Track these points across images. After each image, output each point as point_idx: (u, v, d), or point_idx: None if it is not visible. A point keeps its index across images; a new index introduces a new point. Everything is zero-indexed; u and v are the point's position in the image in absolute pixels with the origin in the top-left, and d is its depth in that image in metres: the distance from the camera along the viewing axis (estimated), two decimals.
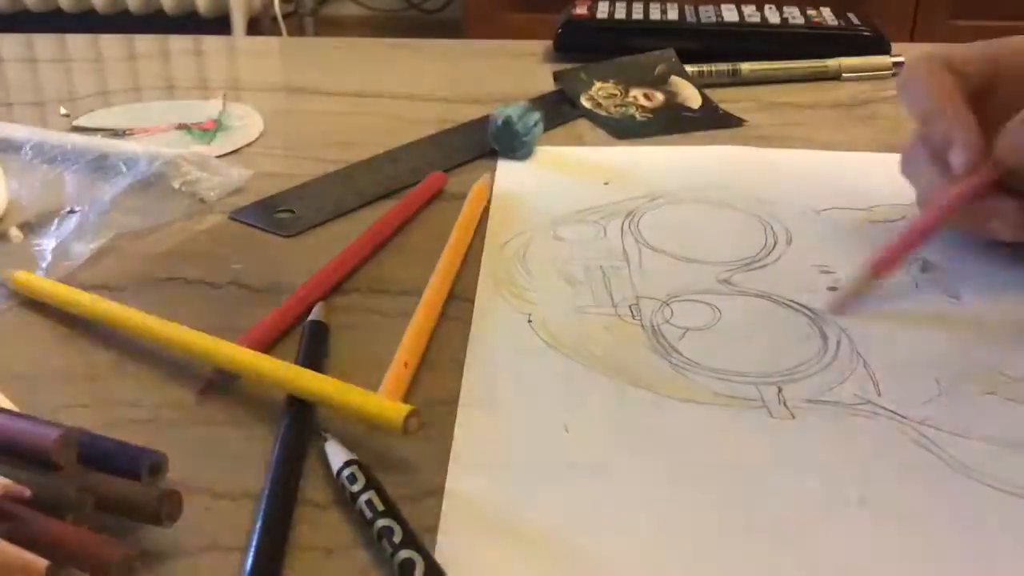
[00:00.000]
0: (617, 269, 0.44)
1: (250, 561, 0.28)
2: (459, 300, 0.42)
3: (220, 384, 0.37)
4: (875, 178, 0.53)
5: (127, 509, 0.29)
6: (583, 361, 0.38)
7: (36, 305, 0.42)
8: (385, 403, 0.33)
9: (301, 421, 0.34)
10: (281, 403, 0.36)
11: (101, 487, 0.29)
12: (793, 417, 0.35)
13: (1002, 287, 0.43)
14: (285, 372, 0.35)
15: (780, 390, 0.36)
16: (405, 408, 0.32)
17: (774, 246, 0.47)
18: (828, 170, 0.55)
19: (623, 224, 0.48)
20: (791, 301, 0.42)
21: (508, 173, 0.55)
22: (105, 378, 0.38)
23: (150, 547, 0.29)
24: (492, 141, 0.58)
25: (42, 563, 0.26)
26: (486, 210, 0.50)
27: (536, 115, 0.58)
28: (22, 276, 0.43)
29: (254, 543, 0.29)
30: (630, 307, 0.41)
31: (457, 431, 0.34)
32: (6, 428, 0.30)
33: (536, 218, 0.49)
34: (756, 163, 0.56)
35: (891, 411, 0.35)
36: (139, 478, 0.30)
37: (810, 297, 0.42)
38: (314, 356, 0.38)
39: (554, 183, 0.54)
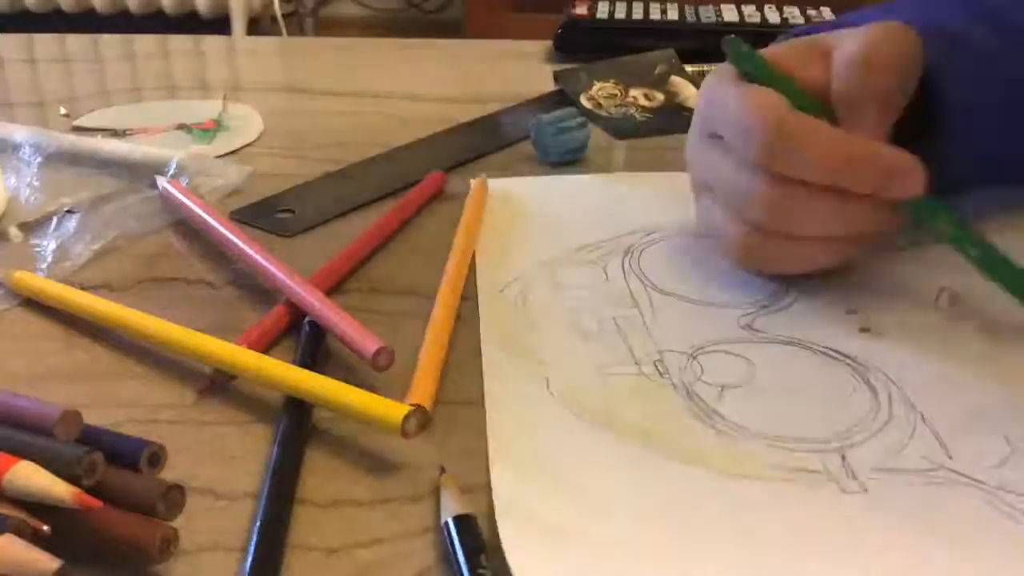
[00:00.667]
0: (630, 319, 0.40)
1: (249, 561, 0.28)
2: (465, 300, 0.42)
3: (220, 384, 0.37)
4: None
5: (130, 502, 0.29)
6: (618, 433, 0.34)
7: (36, 305, 0.42)
8: (385, 403, 0.33)
9: (299, 421, 0.34)
10: (280, 403, 0.36)
11: (103, 478, 0.29)
12: (866, 491, 0.31)
13: None
14: (283, 373, 0.35)
15: (844, 458, 0.32)
16: (404, 408, 0.32)
17: (789, 284, 0.43)
18: None
19: (624, 263, 0.45)
20: (828, 348, 0.38)
21: (492, 196, 0.52)
22: (105, 378, 0.38)
23: None
24: (534, 147, 0.58)
25: (55, 563, 0.26)
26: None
27: (576, 120, 0.57)
28: (21, 276, 0.43)
29: (253, 544, 0.29)
30: (655, 364, 0.37)
31: (503, 537, 0.29)
32: (9, 405, 0.31)
33: (530, 257, 0.45)
34: None
35: (967, 476, 0.31)
36: (138, 468, 0.30)
37: (844, 343, 0.38)
38: (312, 356, 0.38)
39: (544, 213, 0.50)
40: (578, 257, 0.46)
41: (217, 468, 0.32)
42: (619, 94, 0.67)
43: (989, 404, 0.35)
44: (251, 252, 0.44)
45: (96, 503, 0.27)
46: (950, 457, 0.32)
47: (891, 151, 0.39)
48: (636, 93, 0.67)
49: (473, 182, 0.52)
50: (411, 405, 0.33)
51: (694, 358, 0.38)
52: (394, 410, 0.32)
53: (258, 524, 0.29)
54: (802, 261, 0.42)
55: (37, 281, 0.43)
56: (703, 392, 0.36)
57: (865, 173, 0.38)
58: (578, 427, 0.34)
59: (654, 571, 0.28)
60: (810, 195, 0.39)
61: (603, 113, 0.64)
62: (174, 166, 0.54)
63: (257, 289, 0.44)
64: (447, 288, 0.42)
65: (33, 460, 0.28)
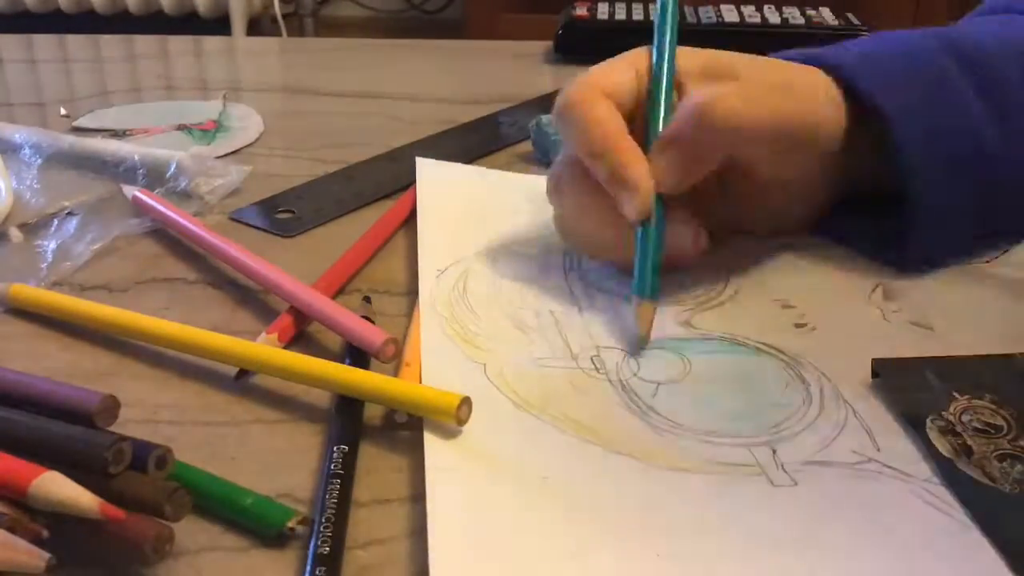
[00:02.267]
0: (568, 315, 0.40)
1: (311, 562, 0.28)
2: None
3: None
4: None
5: (137, 504, 0.29)
6: (554, 422, 0.34)
7: None
8: (438, 394, 0.34)
9: (354, 420, 0.34)
10: (279, 403, 0.36)
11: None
12: (796, 484, 0.31)
13: (974, 311, 0.41)
14: (335, 372, 0.35)
15: (775, 452, 0.33)
16: (457, 396, 0.33)
17: (728, 280, 0.43)
18: None
19: (564, 261, 0.44)
20: (761, 343, 0.39)
21: (432, 181, 0.52)
22: (104, 378, 0.38)
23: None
24: (534, 147, 0.58)
25: (44, 559, 0.26)
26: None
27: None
28: (17, 290, 0.42)
29: (313, 543, 0.29)
30: (591, 359, 0.38)
31: (430, 506, 0.30)
32: (50, 392, 0.32)
33: (470, 244, 0.45)
34: None
35: (895, 468, 0.32)
36: (145, 471, 0.30)
37: (778, 337, 0.39)
38: (361, 354, 0.38)
39: (485, 204, 0.50)
40: (519, 250, 0.46)
41: (216, 468, 0.32)
42: None
43: None
44: (237, 255, 0.44)
45: (119, 513, 0.27)
46: (879, 450, 0.33)
47: (635, 166, 0.39)
48: None
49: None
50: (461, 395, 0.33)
51: (630, 355, 0.38)
52: (448, 398, 0.33)
53: (320, 522, 0.29)
54: (595, 246, 0.43)
55: (33, 293, 0.42)
56: (639, 388, 0.36)
57: (603, 170, 0.40)
58: (515, 414, 0.35)
59: (586, 561, 0.28)
60: (580, 175, 0.41)
61: None
62: (174, 166, 0.54)
63: (257, 289, 0.44)
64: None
65: (59, 447, 0.29)
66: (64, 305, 0.41)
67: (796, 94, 0.41)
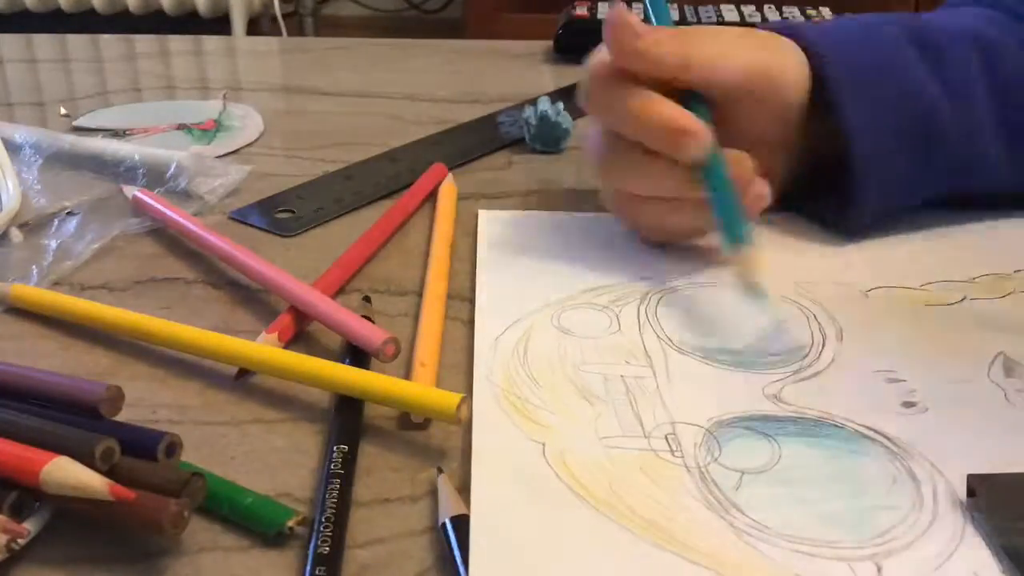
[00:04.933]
0: (642, 380, 0.36)
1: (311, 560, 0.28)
2: (452, 299, 0.42)
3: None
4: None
5: (154, 490, 0.29)
6: (619, 519, 0.30)
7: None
8: (438, 393, 0.34)
9: (354, 420, 0.34)
10: (279, 403, 0.36)
11: (124, 465, 0.30)
12: None
13: None
14: (334, 371, 0.35)
15: (880, 569, 0.28)
16: (456, 396, 0.33)
17: (823, 344, 0.38)
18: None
19: (639, 312, 0.40)
20: (864, 427, 0.33)
21: (493, 235, 0.47)
22: (104, 378, 0.38)
23: (150, 547, 0.29)
24: (532, 141, 0.58)
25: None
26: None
27: (560, 104, 0.59)
28: (18, 289, 0.42)
29: (313, 542, 0.29)
30: (666, 437, 0.33)
31: None
32: (56, 383, 0.33)
33: (533, 297, 0.41)
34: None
35: None
36: (155, 458, 0.30)
37: (884, 419, 0.34)
38: (361, 354, 0.38)
39: (548, 250, 0.45)
40: (586, 300, 0.41)
41: (216, 468, 0.32)
42: None
43: None
44: (237, 255, 0.44)
45: (129, 494, 0.28)
46: (1004, 573, 0.27)
47: (680, 113, 0.41)
48: None
49: (443, 185, 0.52)
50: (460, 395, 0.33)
51: (711, 434, 0.33)
52: (448, 398, 0.33)
53: (320, 522, 0.29)
54: (648, 222, 0.45)
55: (34, 293, 0.42)
56: (720, 477, 0.31)
57: (657, 131, 0.41)
58: (575, 507, 0.30)
59: None
60: (625, 149, 0.43)
61: None
62: (174, 166, 0.54)
63: (257, 288, 0.44)
64: (432, 289, 0.42)
65: (49, 447, 0.29)
66: (64, 305, 0.41)
67: (766, 45, 0.45)
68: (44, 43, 0.84)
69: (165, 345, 0.39)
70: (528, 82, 0.72)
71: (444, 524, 0.29)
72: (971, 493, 0.30)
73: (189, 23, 2.52)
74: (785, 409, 0.35)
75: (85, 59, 0.80)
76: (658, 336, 0.39)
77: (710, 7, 0.78)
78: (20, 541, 0.28)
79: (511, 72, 0.76)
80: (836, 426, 0.34)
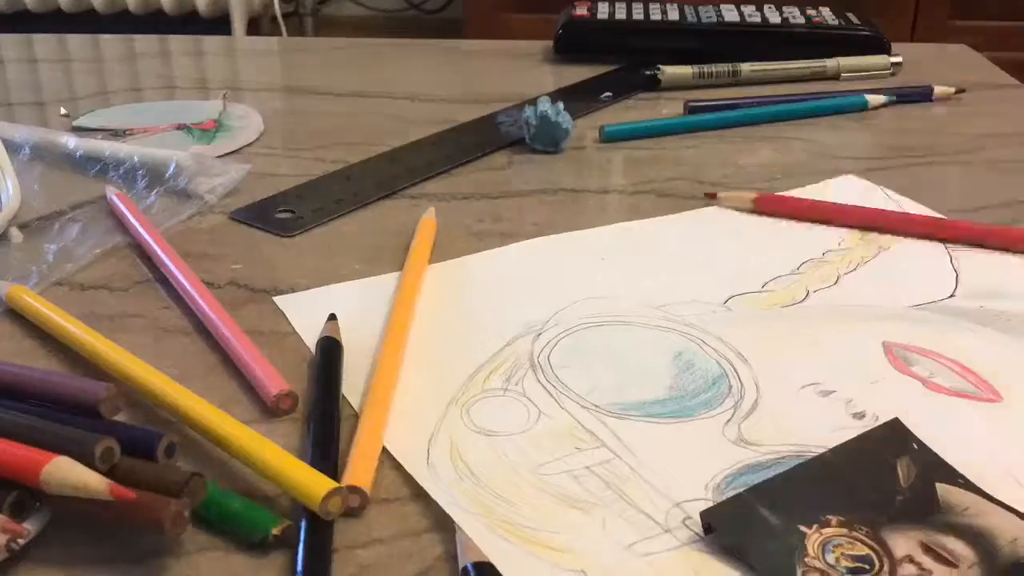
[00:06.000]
0: (610, 465, 0.32)
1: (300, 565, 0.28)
2: None
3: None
4: (724, 240, 0.47)
5: (154, 490, 0.29)
6: None
7: None
8: (308, 474, 0.30)
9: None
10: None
11: (125, 465, 0.30)
12: None
13: None
14: (211, 417, 0.33)
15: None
16: (326, 485, 0.29)
17: (735, 370, 0.37)
18: (661, 240, 0.47)
19: (541, 382, 0.36)
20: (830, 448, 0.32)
21: (299, 312, 0.41)
22: (104, 379, 0.38)
23: (150, 547, 0.29)
24: (532, 142, 0.58)
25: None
26: None
27: (560, 104, 0.59)
28: (14, 293, 0.42)
29: (301, 548, 0.29)
30: (684, 523, 0.30)
31: None
32: (56, 383, 0.33)
33: (433, 402, 0.35)
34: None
35: None
36: (155, 458, 0.30)
37: (850, 436, 0.33)
38: (331, 374, 0.36)
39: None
40: (479, 388, 0.36)
41: (214, 469, 0.32)
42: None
43: None
44: (181, 279, 0.43)
45: (129, 494, 0.28)
46: None
47: None
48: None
49: (422, 219, 0.48)
50: (345, 486, 0.30)
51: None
52: (318, 485, 0.29)
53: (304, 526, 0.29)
54: None
55: (28, 301, 0.41)
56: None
57: None
58: None
59: None
60: None
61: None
62: (174, 166, 0.54)
63: (257, 288, 0.44)
64: (389, 350, 0.38)
65: (49, 447, 0.29)
66: (53, 324, 0.40)
67: None
68: (44, 43, 0.84)
69: (138, 391, 0.36)
70: (528, 82, 0.72)
71: (466, 569, 0.28)
72: (708, 530, 0.29)
73: (189, 23, 2.52)
74: (759, 451, 0.33)
75: (85, 59, 0.80)
76: (583, 407, 0.35)
77: (710, 7, 0.78)
78: (20, 541, 0.28)
79: (511, 72, 0.76)
80: (810, 452, 0.33)
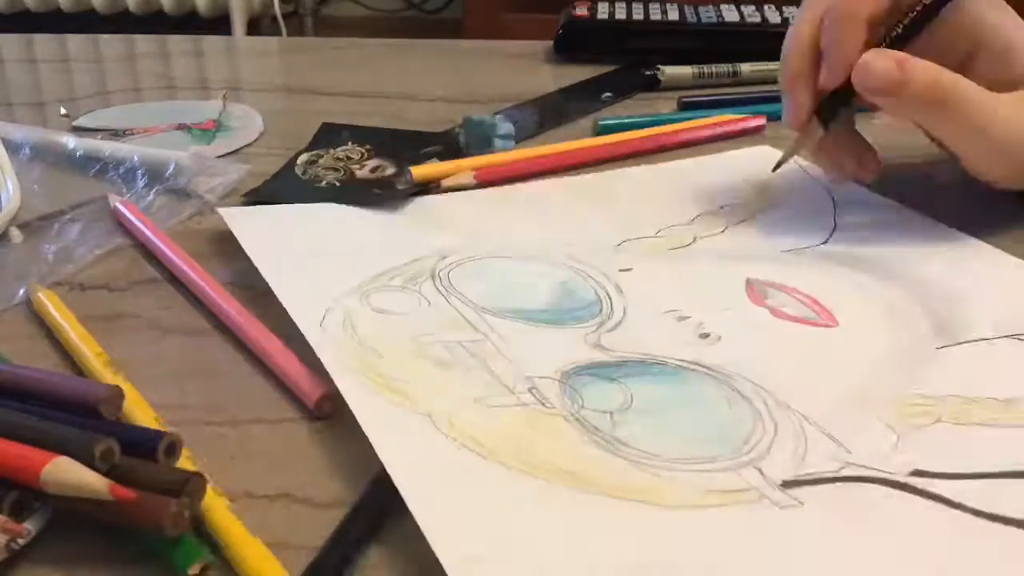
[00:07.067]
0: (479, 344, 0.37)
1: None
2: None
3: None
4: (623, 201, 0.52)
5: (155, 491, 0.29)
6: (539, 473, 0.30)
7: (32, 304, 0.42)
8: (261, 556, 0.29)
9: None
10: (279, 403, 0.36)
11: (125, 465, 0.30)
12: (802, 504, 0.29)
13: (865, 298, 0.41)
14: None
15: (761, 471, 0.30)
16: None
17: (609, 297, 0.41)
18: (568, 199, 0.52)
19: (438, 286, 0.41)
20: (682, 361, 0.36)
21: (241, 222, 0.47)
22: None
23: (150, 547, 0.29)
24: (467, 146, 0.58)
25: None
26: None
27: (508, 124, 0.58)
28: (40, 297, 0.42)
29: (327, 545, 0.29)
30: (531, 392, 0.34)
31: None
32: (56, 383, 0.33)
33: (332, 285, 0.40)
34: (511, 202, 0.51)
35: (876, 468, 0.31)
36: (155, 458, 0.30)
37: (692, 351, 0.37)
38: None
39: (314, 238, 0.46)
40: (382, 284, 0.41)
41: (215, 468, 0.32)
42: (355, 158, 0.57)
43: (844, 388, 0.35)
44: (204, 285, 0.43)
45: (129, 494, 0.28)
46: (850, 452, 0.31)
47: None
48: (374, 164, 0.56)
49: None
50: None
51: (566, 384, 0.35)
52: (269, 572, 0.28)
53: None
54: None
55: (55, 309, 0.41)
56: (595, 421, 0.33)
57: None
58: (492, 470, 0.30)
59: None
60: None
61: (298, 172, 0.55)
62: (174, 166, 0.54)
63: (257, 288, 0.44)
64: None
65: (49, 447, 0.29)
66: (67, 337, 0.39)
67: None
68: (44, 43, 0.84)
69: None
70: (528, 82, 0.72)
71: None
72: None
73: (189, 23, 2.52)
74: (612, 355, 0.37)
75: (85, 59, 0.80)
76: (467, 304, 0.40)
77: (710, 7, 0.78)
78: (20, 541, 0.28)
79: (511, 72, 0.76)
80: (660, 364, 0.36)
